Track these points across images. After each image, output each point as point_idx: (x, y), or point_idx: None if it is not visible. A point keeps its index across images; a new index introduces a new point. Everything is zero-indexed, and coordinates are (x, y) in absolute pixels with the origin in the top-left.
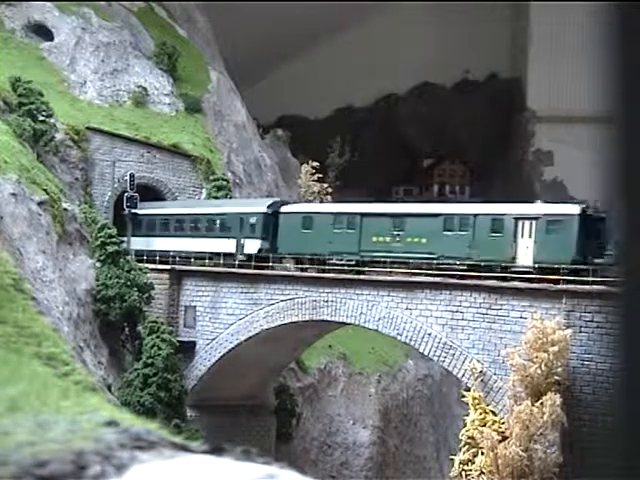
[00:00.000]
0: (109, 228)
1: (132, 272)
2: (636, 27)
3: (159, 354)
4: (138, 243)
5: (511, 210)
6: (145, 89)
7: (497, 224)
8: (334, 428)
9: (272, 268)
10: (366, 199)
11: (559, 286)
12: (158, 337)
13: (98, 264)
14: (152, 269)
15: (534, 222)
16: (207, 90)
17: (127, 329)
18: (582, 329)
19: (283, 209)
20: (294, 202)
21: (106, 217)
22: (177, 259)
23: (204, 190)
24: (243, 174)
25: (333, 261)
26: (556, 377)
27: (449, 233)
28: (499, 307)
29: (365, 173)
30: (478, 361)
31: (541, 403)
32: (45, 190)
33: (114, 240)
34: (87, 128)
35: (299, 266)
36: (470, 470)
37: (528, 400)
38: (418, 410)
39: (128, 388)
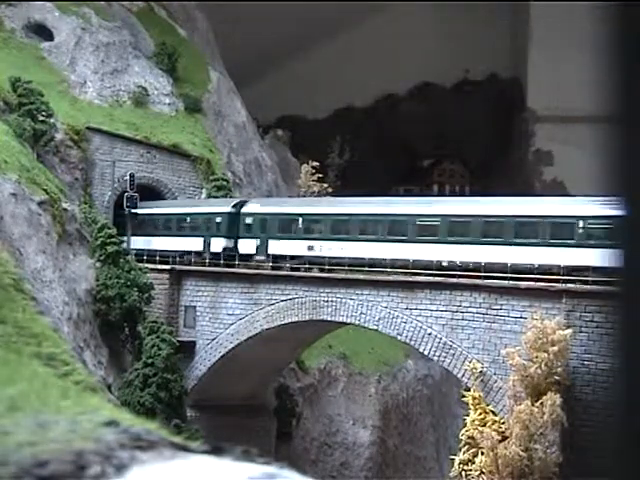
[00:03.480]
0: (109, 228)
1: (132, 272)
2: (637, 26)
3: (159, 354)
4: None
5: None
6: (145, 89)
7: None
8: (334, 428)
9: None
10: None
11: (559, 286)
12: (158, 337)
13: (98, 264)
14: (152, 269)
15: None
16: (207, 90)
17: (127, 329)
18: (582, 329)
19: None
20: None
21: (106, 217)
22: (177, 259)
23: (204, 190)
24: (243, 174)
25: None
26: (556, 377)
27: None
28: (499, 307)
29: (365, 173)
30: (478, 361)
31: (541, 403)
32: (45, 190)
33: (114, 240)
34: (87, 128)
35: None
36: (470, 470)
37: (528, 400)
38: (418, 410)
39: (128, 388)
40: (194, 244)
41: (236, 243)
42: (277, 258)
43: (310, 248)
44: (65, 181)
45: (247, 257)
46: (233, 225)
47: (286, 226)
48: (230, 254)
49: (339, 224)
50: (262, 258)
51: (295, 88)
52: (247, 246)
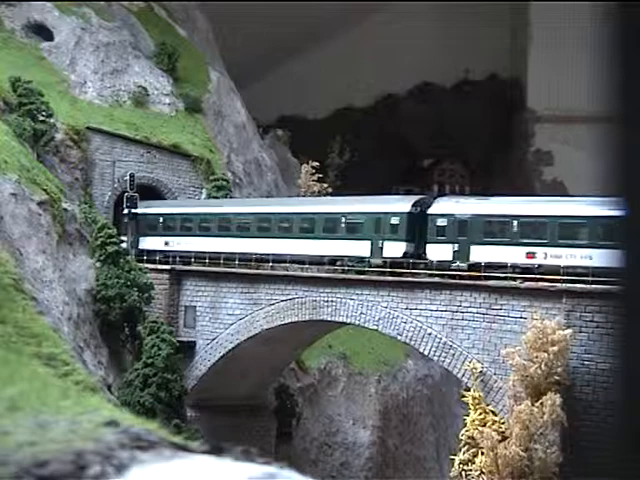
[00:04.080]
0: (109, 228)
1: (132, 272)
2: (637, 27)
3: (159, 354)
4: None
5: None
6: (145, 89)
7: None
8: (334, 428)
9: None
10: None
11: (559, 286)
12: (158, 337)
13: (98, 264)
14: (152, 269)
15: None
16: (207, 90)
17: (127, 329)
18: (582, 329)
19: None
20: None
21: (106, 217)
22: (177, 259)
23: (204, 190)
24: (243, 174)
25: None
26: (556, 377)
27: None
28: (499, 307)
29: (365, 173)
30: (478, 361)
31: (541, 403)
32: (45, 190)
33: (114, 240)
34: (87, 128)
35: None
36: (470, 470)
37: (528, 400)
38: (418, 410)
39: (128, 388)
40: (357, 248)
41: (419, 248)
42: (480, 266)
43: (530, 255)
44: (65, 181)
45: (435, 264)
46: (414, 227)
47: (495, 229)
48: (411, 261)
49: (576, 228)
50: (462, 266)
51: (295, 88)
52: (440, 252)
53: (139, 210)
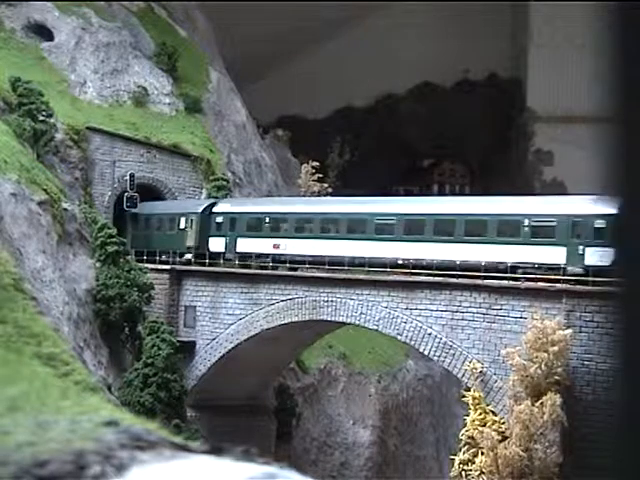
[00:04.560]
0: (109, 228)
1: (132, 272)
2: (637, 26)
3: (159, 354)
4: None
5: None
6: (145, 89)
7: None
8: (334, 428)
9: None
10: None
11: (559, 286)
12: (158, 337)
13: (98, 264)
14: (152, 269)
15: None
16: (207, 90)
17: (127, 329)
18: (582, 329)
19: None
20: None
21: (106, 217)
22: (177, 259)
23: (204, 190)
24: (243, 174)
25: None
26: (556, 377)
27: None
28: (499, 307)
29: (365, 173)
30: (478, 361)
31: (541, 403)
32: (45, 190)
33: (114, 240)
34: (87, 128)
35: None
36: (470, 470)
37: (528, 400)
38: (418, 410)
39: (128, 388)
40: (547, 255)
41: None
42: None
43: None
44: (65, 181)
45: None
46: None
47: None
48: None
49: None
50: None
51: (295, 88)
52: None
53: (237, 209)
